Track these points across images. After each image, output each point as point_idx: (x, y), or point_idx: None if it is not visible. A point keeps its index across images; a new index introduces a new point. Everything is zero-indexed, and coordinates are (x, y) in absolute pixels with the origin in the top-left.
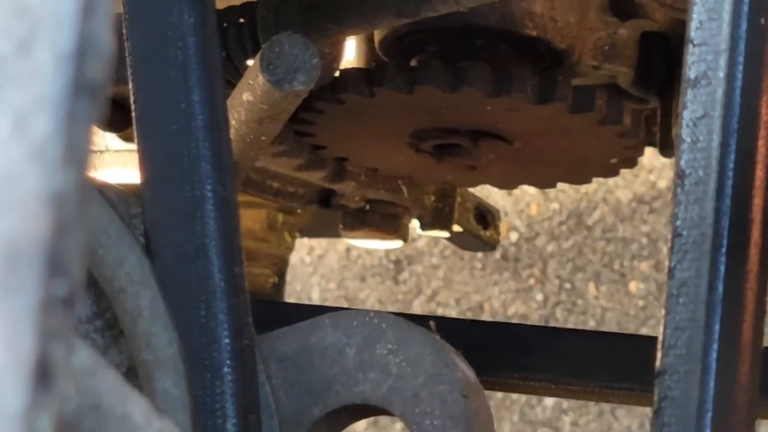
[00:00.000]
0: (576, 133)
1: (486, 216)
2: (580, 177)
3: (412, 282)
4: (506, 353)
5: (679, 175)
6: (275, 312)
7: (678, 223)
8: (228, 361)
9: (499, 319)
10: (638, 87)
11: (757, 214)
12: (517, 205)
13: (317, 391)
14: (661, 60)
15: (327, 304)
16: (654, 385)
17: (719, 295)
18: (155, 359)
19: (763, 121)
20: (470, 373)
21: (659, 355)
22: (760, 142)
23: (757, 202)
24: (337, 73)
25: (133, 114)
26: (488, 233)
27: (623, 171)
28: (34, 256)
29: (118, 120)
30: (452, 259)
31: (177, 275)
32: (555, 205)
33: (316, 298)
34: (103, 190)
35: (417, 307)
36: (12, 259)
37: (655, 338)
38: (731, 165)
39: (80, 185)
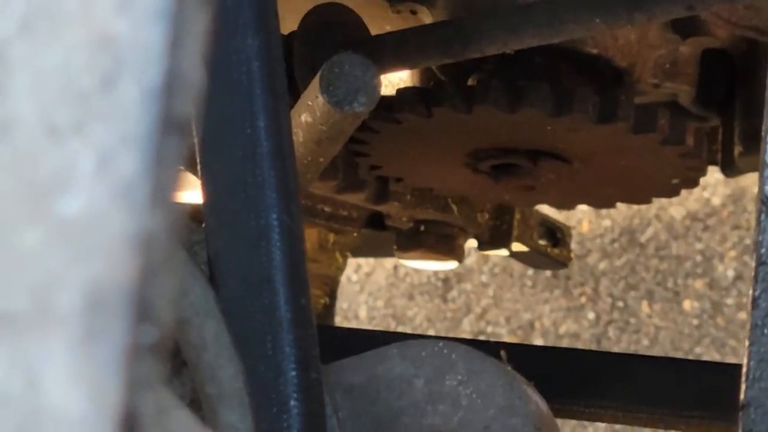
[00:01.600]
0: (637, 153)
1: (555, 233)
2: (640, 197)
3: (461, 300)
4: (574, 380)
5: (763, 201)
6: (330, 337)
7: (762, 251)
8: (295, 395)
9: (550, 337)
10: (699, 105)
11: None
12: (569, 222)
13: (385, 422)
14: (722, 78)
15: (374, 322)
16: (738, 419)
17: None
18: (220, 393)
19: None
20: (543, 405)
21: (743, 387)
22: None
23: None
24: (393, 93)
25: (196, 140)
26: (557, 250)
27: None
28: (120, 302)
29: None
30: (502, 277)
31: (242, 306)
32: (607, 222)
33: (363, 317)
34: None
35: (466, 326)
36: (97, 305)
37: (720, 365)
38: None
39: (169, 227)
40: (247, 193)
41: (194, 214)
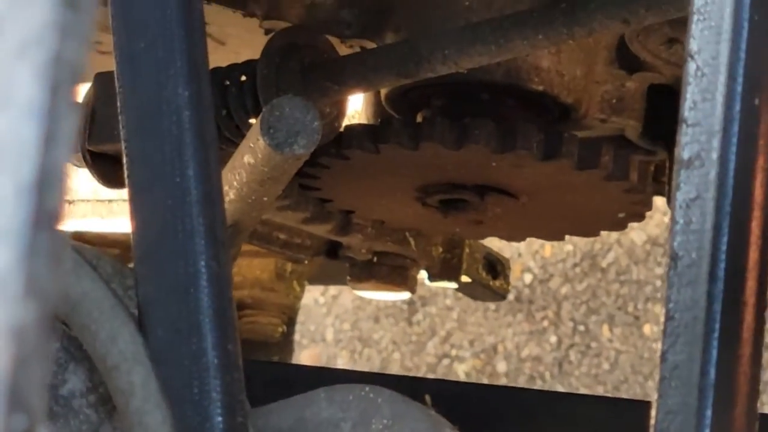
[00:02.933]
0: (583, 188)
1: (495, 266)
2: (588, 230)
3: (426, 323)
4: (509, 418)
5: (672, 257)
6: (275, 373)
7: (671, 305)
8: None
9: (513, 360)
10: (646, 139)
11: (750, 297)
12: (531, 246)
13: None
14: (669, 112)
15: (341, 344)
16: None
17: (711, 380)
18: None
19: (757, 202)
20: None
21: (652, 427)
22: (754, 224)
23: (751, 284)
24: (341, 129)
25: (127, 187)
26: (498, 283)
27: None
28: None
29: (120, 176)
30: (466, 301)
31: (170, 352)
32: (569, 247)
33: (330, 339)
34: (98, 264)
35: (431, 349)
36: None
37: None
38: (724, 247)
39: (41, 318)
40: (176, 240)
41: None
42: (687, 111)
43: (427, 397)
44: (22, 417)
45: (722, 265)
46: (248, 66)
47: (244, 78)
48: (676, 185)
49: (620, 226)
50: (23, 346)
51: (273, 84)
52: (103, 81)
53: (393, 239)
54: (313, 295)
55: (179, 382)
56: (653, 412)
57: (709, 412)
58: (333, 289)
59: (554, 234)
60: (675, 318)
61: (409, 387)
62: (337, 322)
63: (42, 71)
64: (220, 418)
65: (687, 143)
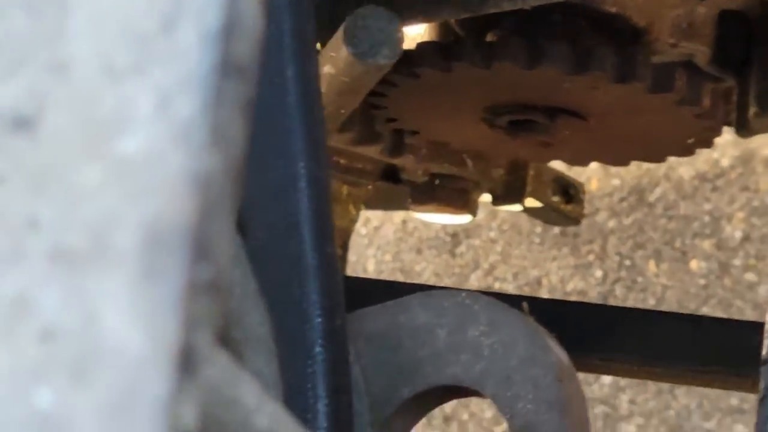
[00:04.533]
0: (654, 112)
1: (568, 189)
2: (654, 156)
3: (469, 255)
4: (590, 334)
5: None
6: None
7: None
8: (320, 341)
9: (557, 294)
10: (715, 66)
11: None
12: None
13: (407, 371)
14: (739, 39)
15: (382, 276)
16: (760, 373)
17: None
18: (246, 338)
19: None
20: (564, 357)
21: (766, 342)
22: None
23: None
24: (413, 47)
25: None
26: (570, 207)
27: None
28: (178, 240)
29: None
30: (510, 234)
31: (269, 253)
32: (616, 182)
33: (371, 270)
34: None
35: (474, 281)
36: (155, 243)
37: (735, 322)
38: None
39: (228, 168)
40: (275, 141)
41: None
42: None
43: (525, 305)
44: (208, 267)
45: None
46: None
47: None
48: None
49: (687, 152)
50: (208, 197)
51: (327, 12)
52: None
53: (450, 161)
54: (354, 226)
55: (278, 284)
56: None
57: None
58: (375, 220)
59: (619, 158)
60: None
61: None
62: (378, 254)
63: None
64: (319, 320)
65: None
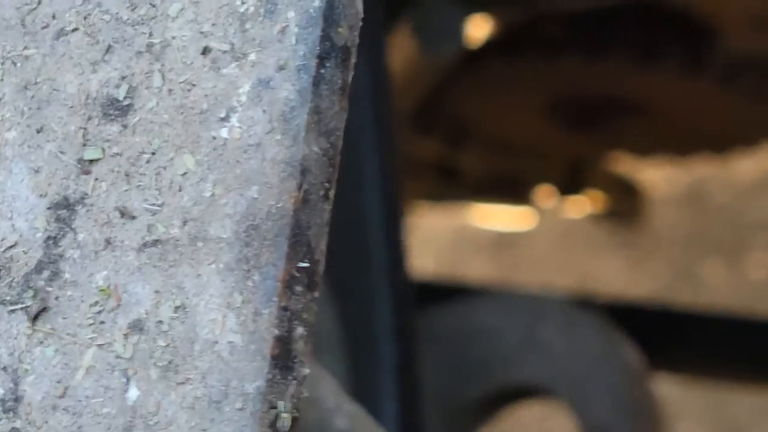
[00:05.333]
0: (720, 107)
1: (629, 184)
2: (719, 149)
3: (523, 255)
4: (657, 336)
5: None
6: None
7: None
8: (390, 339)
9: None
10: None
11: None
12: (636, 176)
13: (476, 371)
14: None
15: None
16: None
17: None
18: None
19: None
20: (637, 359)
21: None
22: None
23: None
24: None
25: None
26: (632, 202)
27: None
28: (275, 231)
29: None
30: (566, 234)
31: (336, 249)
32: (675, 178)
33: (424, 270)
34: None
35: (530, 278)
36: (251, 234)
37: None
38: None
39: (327, 155)
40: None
41: None
42: None
43: (598, 306)
44: (305, 258)
45: None
46: None
47: None
48: None
49: (753, 147)
50: (306, 183)
51: (394, 4)
52: None
53: (511, 155)
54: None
55: (346, 280)
56: None
57: None
58: (427, 220)
59: (685, 151)
60: None
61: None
62: (431, 254)
63: None
64: (389, 318)
65: None
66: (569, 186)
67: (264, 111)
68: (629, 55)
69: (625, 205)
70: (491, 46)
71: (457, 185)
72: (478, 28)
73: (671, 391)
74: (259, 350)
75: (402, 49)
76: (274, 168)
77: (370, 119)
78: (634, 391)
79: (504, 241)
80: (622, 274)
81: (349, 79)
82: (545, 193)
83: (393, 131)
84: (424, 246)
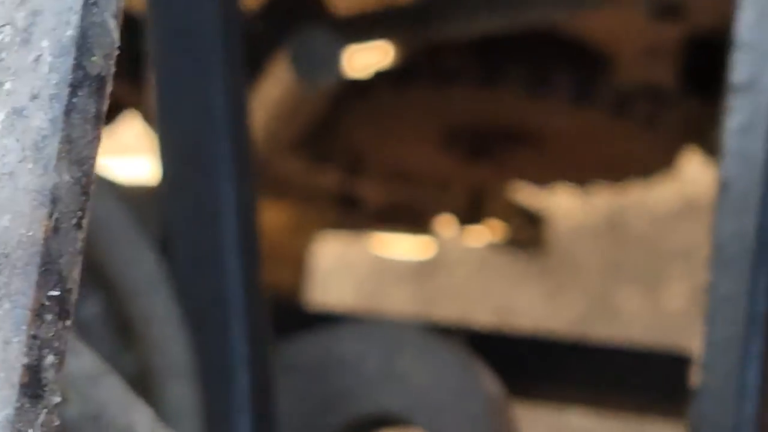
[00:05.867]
0: (613, 136)
1: (530, 215)
2: (614, 178)
3: (440, 284)
4: (536, 365)
5: (722, 186)
6: (294, 316)
7: (719, 235)
8: (243, 369)
9: (529, 323)
10: (682, 90)
11: None
12: (552, 205)
13: (336, 400)
14: (706, 62)
15: (355, 305)
16: (689, 405)
17: (761, 309)
18: (167, 365)
19: None
20: (496, 388)
21: (696, 373)
22: None
23: None
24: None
25: (156, 110)
26: (531, 233)
27: (661, 176)
28: (25, 259)
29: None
30: (483, 260)
31: (193, 278)
32: (591, 207)
33: (343, 299)
34: (121, 188)
35: (446, 310)
36: (1, 262)
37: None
38: None
39: (79, 184)
40: (202, 166)
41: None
42: (741, 33)
43: (457, 335)
44: (55, 286)
45: None
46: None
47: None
48: (727, 111)
49: (648, 176)
50: (58, 214)
51: (272, 37)
52: None
53: (409, 184)
54: (324, 254)
55: (202, 310)
56: (698, 345)
57: (756, 346)
58: (347, 248)
59: (581, 181)
60: (724, 248)
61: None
62: (351, 283)
63: None
64: (243, 348)
65: (740, 67)
66: (469, 215)
67: (17, 140)
68: (521, 84)
69: (527, 234)
70: (384, 74)
71: (359, 214)
72: (371, 56)
73: (585, 423)
74: (7, 378)
75: (280, 80)
76: (26, 196)
77: (227, 150)
78: (494, 422)
79: (423, 271)
80: (540, 304)
81: (104, 107)
82: (446, 223)
83: (250, 163)
84: (341, 275)
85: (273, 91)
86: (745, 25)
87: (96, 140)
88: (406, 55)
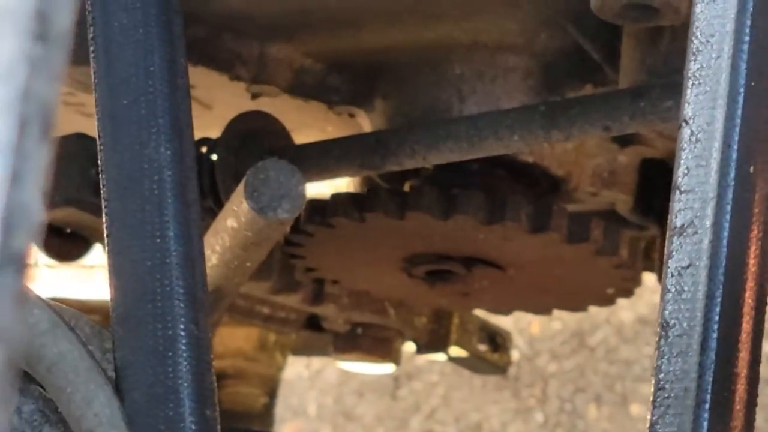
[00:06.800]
0: (571, 262)
1: (495, 338)
2: (576, 305)
3: (411, 399)
4: None
5: (663, 326)
6: None
7: (661, 375)
8: None
9: None
10: (638, 214)
11: (742, 369)
12: (519, 323)
13: None
14: (661, 186)
15: (324, 419)
16: None
17: None
18: None
19: (751, 272)
20: None
21: None
22: (747, 294)
23: (743, 356)
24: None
25: (107, 248)
26: (497, 356)
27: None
28: None
29: (68, 249)
30: (452, 377)
31: (147, 417)
32: (557, 325)
33: (312, 413)
34: (76, 324)
35: (415, 425)
36: None
37: None
38: (716, 317)
39: (4, 364)
40: (155, 302)
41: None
42: (681, 177)
43: None
44: None
45: (714, 335)
46: (207, 143)
47: (203, 150)
48: (668, 252)
49: (609, 301)
50: None
51: (231, 167)
52: None
53: (371, 309)
54: (296, 369)
55: None
56: None
57: None
58: (317, 363)
59: (542, 308)
60: (665, 388)
61: None
62: (320, 396)
63: (9, 107)
64: None
65: (680, 210)
66: (433, 341)
67: None
68: (476, 212)
69: (491, 359)
70: (341, 202)
71: (324, 340)
72: (329, 185)
73: None
74: None
75: (238, 212)
76: None
77: (179, 288)
78: None
79: (393, 388)
80: (508, 417)
81: (28, 289)
82: (409, 348)
83: (203, 297)
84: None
85: (235, 222)
86: (684, 168)
87: (21, 318)
88: (364, 181)
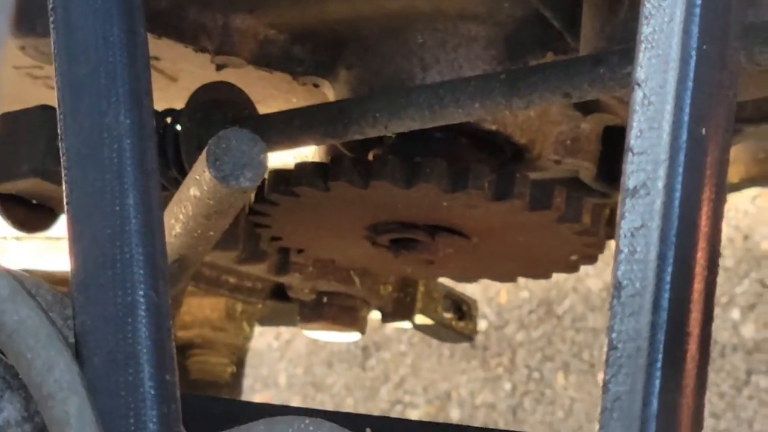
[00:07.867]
0: (534, 229)
1: (460, 306)
2: (539, 272)
3: (379, 369)
4: None
5: (616, 286)
6: (220, 409)
7: (613, 335)
8: None
9: (467, 408)
10: (601, 181)
11: (694, 328)
12: (487, 292)
13: None
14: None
15: (293, 389)
16: None
17: (654, 410)
18: None
19: (702, 232)
20: None
21: None
22: (699, 254)
23: (695, 315)
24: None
25: (66, 215)
26: (462, 324)
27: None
28: None
29: (34, 220)
30: (420, 347)
31: (107, 382)
32: (525, 294)
33: (282, 384)
34: (37, 292)
35: (384, 395)
36: None
37: None
38: (668, 277)
39: None
40: (114, 269)
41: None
42: (633, 139)
43: (368, 430)
44: None
45: (666, 295)
46: (172, 113)
47: (168, 121)
48: (620, 214)
49: (573, 268)
50: None
51: (195, 137)
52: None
53: (337, 278)
54: (266, 339)
55: (116, 413)
56: None
57: None
58: (286, 334)
59: (506, 275)
60: (618, 348)
61: (359, 424)
62: (290, 367)
63: None
64: None
65: (633, 172)
66: (399, 309)
67: None
68: (439, 180)
69: (456, 327)
70: (305, 171)
71: (291, 309)
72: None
73: None
74: None
75: (200, 180)
76: None
77: (139, 256)
78: None
79: (362, 358)
80: (476, 386)
81: None
82: (375, 315)
83: (162, 264)
84: (280, 358)
85: (198, 191)
86: (636, 130)
87: None
88: (329, 150)
